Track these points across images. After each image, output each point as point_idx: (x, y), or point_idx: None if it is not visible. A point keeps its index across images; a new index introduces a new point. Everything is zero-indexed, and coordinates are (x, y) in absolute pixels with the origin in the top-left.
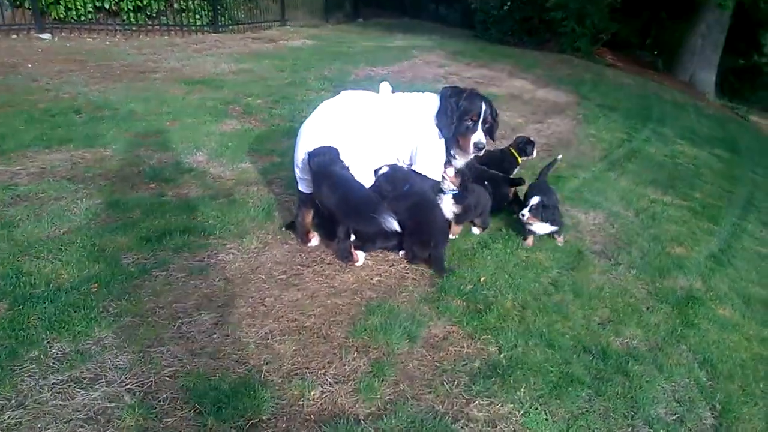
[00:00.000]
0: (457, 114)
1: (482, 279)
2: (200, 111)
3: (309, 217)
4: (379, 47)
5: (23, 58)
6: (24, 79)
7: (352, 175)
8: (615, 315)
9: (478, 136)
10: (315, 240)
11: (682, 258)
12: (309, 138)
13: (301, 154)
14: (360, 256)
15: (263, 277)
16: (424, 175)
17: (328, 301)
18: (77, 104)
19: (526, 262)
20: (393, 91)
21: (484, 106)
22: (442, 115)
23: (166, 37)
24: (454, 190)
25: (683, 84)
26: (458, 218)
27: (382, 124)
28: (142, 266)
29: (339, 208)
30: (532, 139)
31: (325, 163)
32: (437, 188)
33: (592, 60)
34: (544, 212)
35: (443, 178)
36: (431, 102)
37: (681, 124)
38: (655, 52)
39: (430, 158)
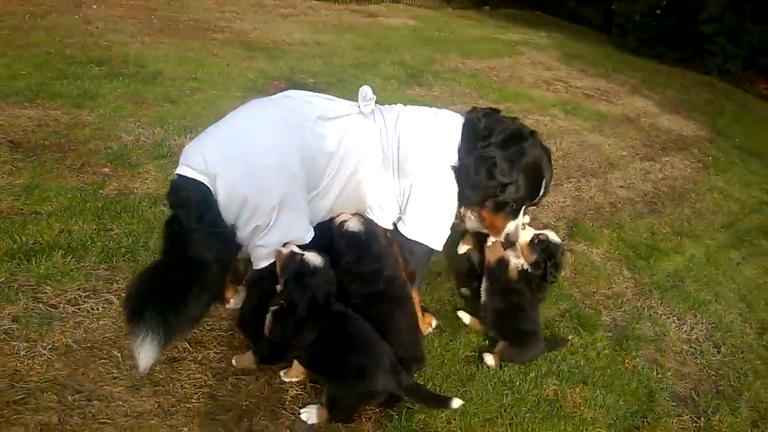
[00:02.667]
0: (504, 182)
1: None
2: (234, 83)
3: None
4: (484, 38)
5: None
6: (76, 21)
7: (218, 243)
8: None
9: (516, 225)
10: (235, 300)
11: None
12: (186, 156)
13: None
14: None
15: (119, 355)
16: (413, 242)
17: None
18: (107, 55)
19: (552, 405)
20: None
21: (543, 187)
22: (475, 172)
23: None
24: None
25: None
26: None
27: (342, 153)
28: None
29: None
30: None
31: (183, 212)
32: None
33: (741, 87)
34: None
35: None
36: (447, 126)
37: None
38: None
39: (430, 210)
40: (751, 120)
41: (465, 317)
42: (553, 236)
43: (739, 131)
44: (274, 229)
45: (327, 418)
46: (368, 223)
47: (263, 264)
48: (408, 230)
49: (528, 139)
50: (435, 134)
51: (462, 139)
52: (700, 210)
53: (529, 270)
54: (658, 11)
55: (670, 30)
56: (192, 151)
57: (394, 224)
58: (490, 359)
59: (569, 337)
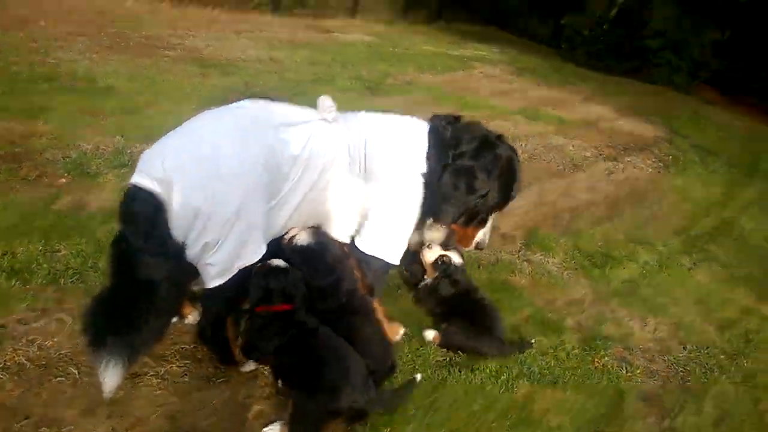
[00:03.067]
0: (482, 194)
1: None
2: (188, 97)
3: None
4: (440, 54)
5: (41, 14)
6: (22, 39)
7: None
8: None
9: (485, 232)
10: (193, 315)
11: None
12: (144, 162)
13: None
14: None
15: (76, 372)
16: (370, 257)
17: None
18: (56, 72)
19: (520, 411)
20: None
21: (514, 191)
22: (454, 188)
23: (215, 11)
24: None
25: None
26: None
27: (307, 156)
28: None
29: None
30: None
31: (131, 229)
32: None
33: (690, 95)
34: None
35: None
36: (413, 130)
37: None
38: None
39: (387, 224)
40: (705, 121)
41: (428, 335)
42: (456, 258)
43: (695, 132)
44: (224, 247)
45: None
46: (319, 234)
47: (214, 284)
48: (364, 244)
49: (498, 144)
50: (401, 137)
51: (429, 145)
52: (657, 213)
53: (428, 283)
54: (605, 26)
55: (617, 43)
56: (150, 157)
57: (351, 238)
58: (429, 334)
59: (535, 339)
